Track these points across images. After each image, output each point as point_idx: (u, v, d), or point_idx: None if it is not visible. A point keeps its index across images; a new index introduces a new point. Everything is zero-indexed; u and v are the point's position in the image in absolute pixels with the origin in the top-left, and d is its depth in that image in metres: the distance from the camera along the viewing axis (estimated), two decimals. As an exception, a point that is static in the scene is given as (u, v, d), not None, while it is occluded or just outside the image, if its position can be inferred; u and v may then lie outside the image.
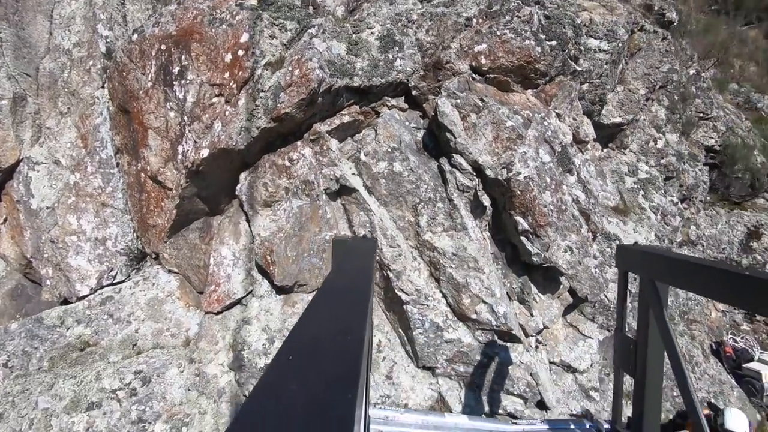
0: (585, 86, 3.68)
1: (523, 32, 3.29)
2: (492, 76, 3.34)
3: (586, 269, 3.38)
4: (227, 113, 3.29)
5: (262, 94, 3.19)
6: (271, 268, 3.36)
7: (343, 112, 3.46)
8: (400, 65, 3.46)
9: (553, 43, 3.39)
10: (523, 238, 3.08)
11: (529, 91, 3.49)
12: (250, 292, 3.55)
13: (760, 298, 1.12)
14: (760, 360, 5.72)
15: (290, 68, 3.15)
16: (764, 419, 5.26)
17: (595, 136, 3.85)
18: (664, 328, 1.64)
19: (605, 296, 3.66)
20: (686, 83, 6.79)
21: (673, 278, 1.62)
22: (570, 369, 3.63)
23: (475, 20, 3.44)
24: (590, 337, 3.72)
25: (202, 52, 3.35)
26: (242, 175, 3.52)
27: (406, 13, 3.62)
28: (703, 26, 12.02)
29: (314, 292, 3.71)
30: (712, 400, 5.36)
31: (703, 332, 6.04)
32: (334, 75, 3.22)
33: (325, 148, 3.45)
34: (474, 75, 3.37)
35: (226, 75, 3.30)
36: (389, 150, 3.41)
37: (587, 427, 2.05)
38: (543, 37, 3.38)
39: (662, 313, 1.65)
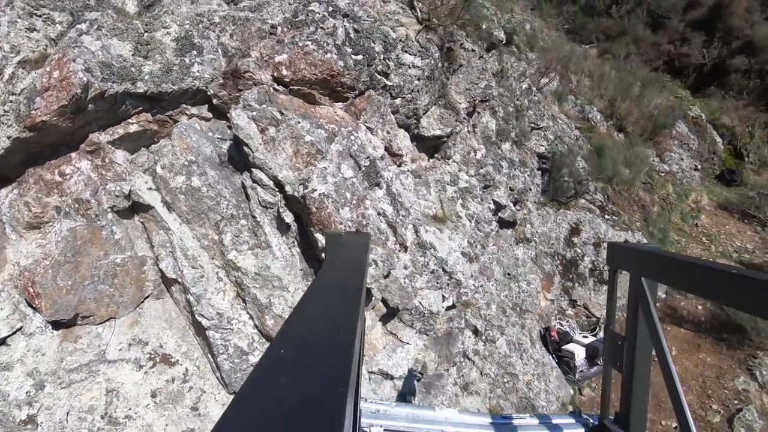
0: (398, 101, 3.78)
1: (325, 45, 3.24)
2: (296, 88, 3.25)
3: (395, 280, 3.48)
4: (-31, 119, 2.72)
5: (12, 98, 2.69)
6: (36, 302, 2.87)
7: (130, 120, 3.09)
8: (198, 71, 3.19)
9: (359, 57, 3.40)
10: (323, 255, 3.04)
11: (339, 104, 3.47)
12: (19, 330, 3.01)
13: (740, 294, 1.16)
14: (576, 341, 6.60)
15: (49, 69, 2.70)
16: (576, 393, 6.05)
17: (411, 149, 3.99)
18: (652, 325, 1.62)
19: (420, 303, 3.83)
20: (519, 96, 7.53)
21: (661, 275, 1.64)
22: (388, 376, 3.73)
23: (279, 29, 3.31)
24: (408, 344, 3.86)
25: (-71, 43, 2.72)
26: (2, 192, 2.96)
27: (209, 14, 3.36)
28: (551, 42, 13.54)
29: (106, 323, 3.29)
30: (536, 382, 6.04)
31: (534, 320, 6.77)
32: (109, 79, 2.84)
33: (107, 160, 3.05)
34: (278, 86, 3.24)
35: (-35, 72, 2.72)
36: (186, 163, 3.14)
37: (575, 422, 2.05)
38: (349, 50, 3.38)
39: (650, 309, 1.64)
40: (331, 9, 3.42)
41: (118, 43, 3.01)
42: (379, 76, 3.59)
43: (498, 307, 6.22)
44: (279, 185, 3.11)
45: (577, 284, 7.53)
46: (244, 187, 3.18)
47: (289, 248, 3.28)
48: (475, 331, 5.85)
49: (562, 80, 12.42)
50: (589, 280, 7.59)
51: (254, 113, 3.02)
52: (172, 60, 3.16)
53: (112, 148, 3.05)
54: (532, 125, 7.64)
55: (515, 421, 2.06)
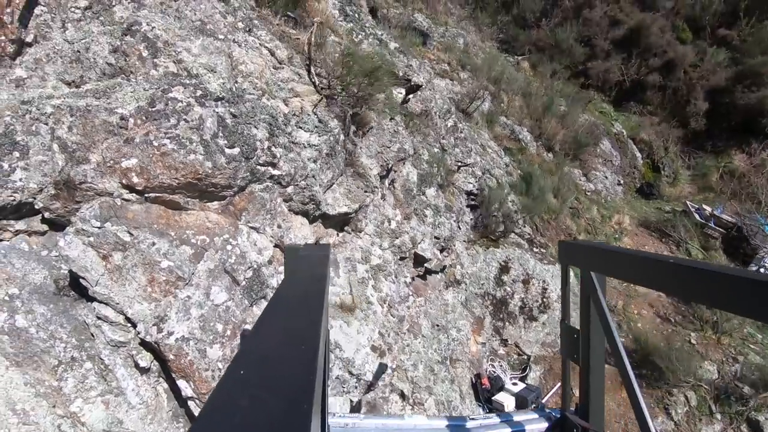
0: (290, 189, 3.32)
1: (189, 143, 2.71)
2: (154, 195, 2.69)
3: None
4: None
5: None
6: None
7: (-77, 249, 2.40)
8: (22, 179, 2.54)
9: (235, 151, 2.90)
10: (191, 404, 2.53)
11: (215, 203, 2.95)
12: None
13: (676, 281, 1.28)
14: (506, 389, 6.50)
15: None
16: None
17: (309, 235, 3.56)
18: (603, 317, 1.70)
19: (323, 415, 3.42)
20: (445, 135, 7.31)
21: (607, 268, 1.72)
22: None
23: (132, 120, 2.72)
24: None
25: None
26: None
27: (39, 102, 2.70)
28: (484, 59, 13.57)
29: None
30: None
31: (465, 368, 6.60)
32: None
33: None
34: (130, 195, 2.67)
35: None
36: (7, 298, 2.49)
37: (539, 416, 2.08)
38: (222, 143, 2.86)
39: (600, 302, 1.72)
40: (199, 93, 2.88)
41: None
42: (263, 168, 3.10)
43: (426, 366, 5.94)
44: (132, 321, 2.55)
45: (507, 323, 7.47)
46: (87, 323, 2.58)
47: (153, 387, 2.73)
48: (402, 395, 5.53)
49: (494, 100, 12.47)
50: (519, 318, 7.56)
51: (92, 238, 2.44)
52: (-16, 166, 2.49)
53: None
54: (459, 163, 7.46)
55: (484, 422, 2.09)
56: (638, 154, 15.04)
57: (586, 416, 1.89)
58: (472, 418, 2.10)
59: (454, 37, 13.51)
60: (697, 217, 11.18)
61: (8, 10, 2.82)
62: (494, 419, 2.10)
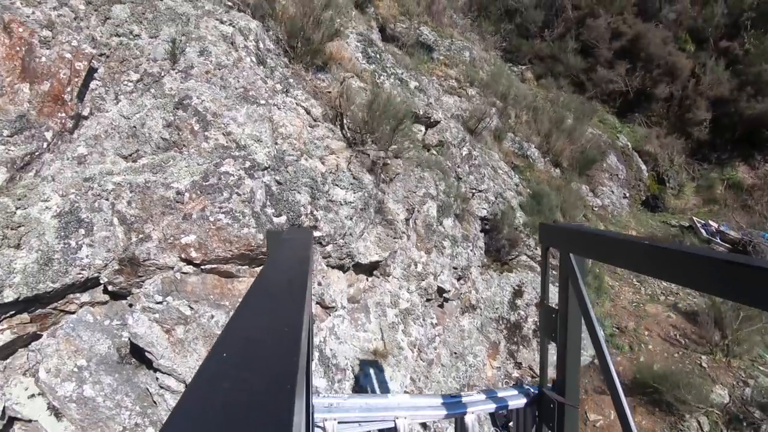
0: (329, 247, 3.48)
1: (242, 216, 2.86)
2: (210, 267, 2.85)
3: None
4: None
5: None
6: None
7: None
8: (88, 257, 2.70)
9: (282, 219, 3.05)
10: None
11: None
12: None
13: (649, 261, 1.35)
14: (522, 414, 6.66)
15: None
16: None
17: (344, 289, 3.71)
18: (581, 298, 1.75)
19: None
20: (460, 163, 7.47)
21: (585, 250, 1.77)
22: None
23: (187, 195, 2.88)
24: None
25: None
26: None
27: (100, 179, 2.86)
28: (490, 72, 13.69)
29: None
30: (485, 469, 5.98)
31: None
32: (-37, 299, 2.30)
33: (-30, 383, 2.50)
34: (187, 267, 2.82)
35: None
36: (76, 369, 2.65)
37: (518, 393, 2.18)
38: (270, 212, 3.02)
39: (578, 283, 1.76)
40: (248, 165, 3.04)
41: (-24, 239, 2.46)
42: (306, 231, 3.26)
43: (446, 395, 6.08)
44: (192, 389, 2.70)
45: (521, 346, 7.63)
46: (149, 391, 2.74)
47: (209, 448, 2.88)
48: (424, 425, 5.69)
49: (501, 117, 12.61)
50: (532, 341, 7.71)
51: (157, 315, 2.60)
52: (54, 245, 2.64)
53: (-24, 366, 2.50)
54: (474, 190, 7.62)
55: (464, 399, 2.14)
56: (643, 167, 15.18)
57: (562, 392, 1.98)
58: (454, 396, 2.18)
59: (459, 50, 13.65)
60: (703, 232, 11.33)
61: (68, 88, 2.98)
62: (478, 396, 2.19)
